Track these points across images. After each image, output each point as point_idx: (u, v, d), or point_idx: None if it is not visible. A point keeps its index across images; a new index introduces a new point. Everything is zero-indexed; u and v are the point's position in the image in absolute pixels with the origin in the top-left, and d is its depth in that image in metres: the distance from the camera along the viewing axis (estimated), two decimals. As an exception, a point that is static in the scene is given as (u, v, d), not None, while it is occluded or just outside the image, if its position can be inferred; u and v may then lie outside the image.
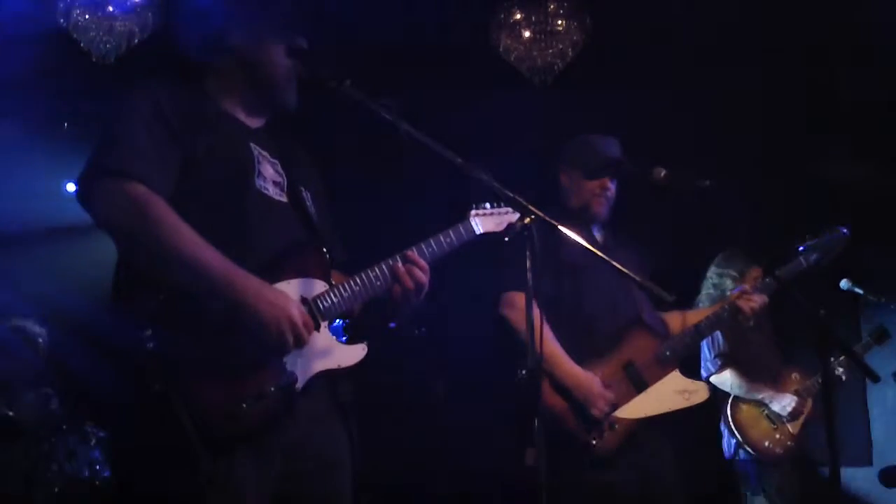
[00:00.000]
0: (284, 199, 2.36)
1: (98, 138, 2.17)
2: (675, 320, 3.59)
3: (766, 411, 4.63)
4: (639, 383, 3.27)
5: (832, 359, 4.68)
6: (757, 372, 4.74)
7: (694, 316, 3.58)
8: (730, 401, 4.67)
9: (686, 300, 4.70)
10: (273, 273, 2.18)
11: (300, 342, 2.10)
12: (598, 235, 3.60)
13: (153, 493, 2.03)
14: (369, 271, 2.34)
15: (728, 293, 4.25)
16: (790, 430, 4.59)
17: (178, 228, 2.05)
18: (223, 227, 2.17)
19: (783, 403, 4.60)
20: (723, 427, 4.70)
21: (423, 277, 2.36)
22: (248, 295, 2.05)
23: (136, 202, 2.06)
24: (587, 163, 3.53)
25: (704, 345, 4.75)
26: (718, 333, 4.71)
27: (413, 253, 2.38)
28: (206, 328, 2.04)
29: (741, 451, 4.61)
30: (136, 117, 2.16)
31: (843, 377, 4.76)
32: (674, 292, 3.38)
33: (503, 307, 3.31)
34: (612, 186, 3.52)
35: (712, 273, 4.86)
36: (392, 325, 2.49)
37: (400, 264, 2.35)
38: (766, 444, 4.57)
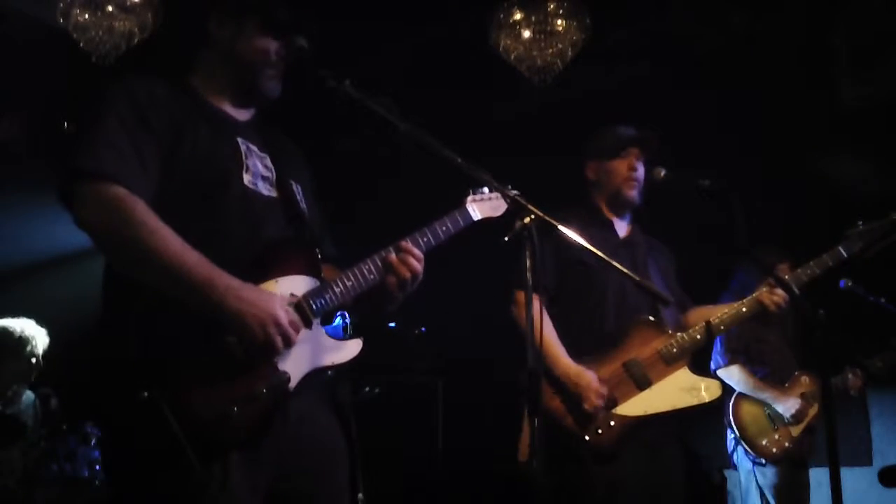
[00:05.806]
0: (274, 193, 2.32)
1: (77, 137, 2.13)
2: (700, 314, 3.51)
3: (768, 411, 4.63)
4: (641, 380, 3.24)
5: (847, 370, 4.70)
6: (767, 371, 4.74)
7: (718, 310, 3.48)
8: (734, 396, 4.68)
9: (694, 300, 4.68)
10: (261, 271, 2.14)
11: (288, 342, 2.06)
12: (623, 228, 3.58)
13: (146, 502, 2.01)
14: (362, 265, 2.31)
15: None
16: (791, 432, 4.59)
17: (157, 231, 2.02)
18: (208, 223, 2.14)
19: (787, 405, 4.59)
20: (725, 422, 4.71)
21: (417, 267, 2.33)
22: (228, 297, 2.00)
23: (116, 206, 2.02)
24: (609, 145, 3.54)
25: (718, 337, 4.72)
26: (734, 327, 4.69)
27: (406, 243, 2.36)
28: (193, 331, 2.00)
29: (739, 448, 4.63)
30: (115, 116, 2.12)
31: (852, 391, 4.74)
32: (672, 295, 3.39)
33: (512, 305, 3.32)
34: (639, 167, 3.51)
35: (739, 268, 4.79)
36: (392, 324, 2.48)
37: (393, 255, 2.32)
38: (764, 442, 4.57)
